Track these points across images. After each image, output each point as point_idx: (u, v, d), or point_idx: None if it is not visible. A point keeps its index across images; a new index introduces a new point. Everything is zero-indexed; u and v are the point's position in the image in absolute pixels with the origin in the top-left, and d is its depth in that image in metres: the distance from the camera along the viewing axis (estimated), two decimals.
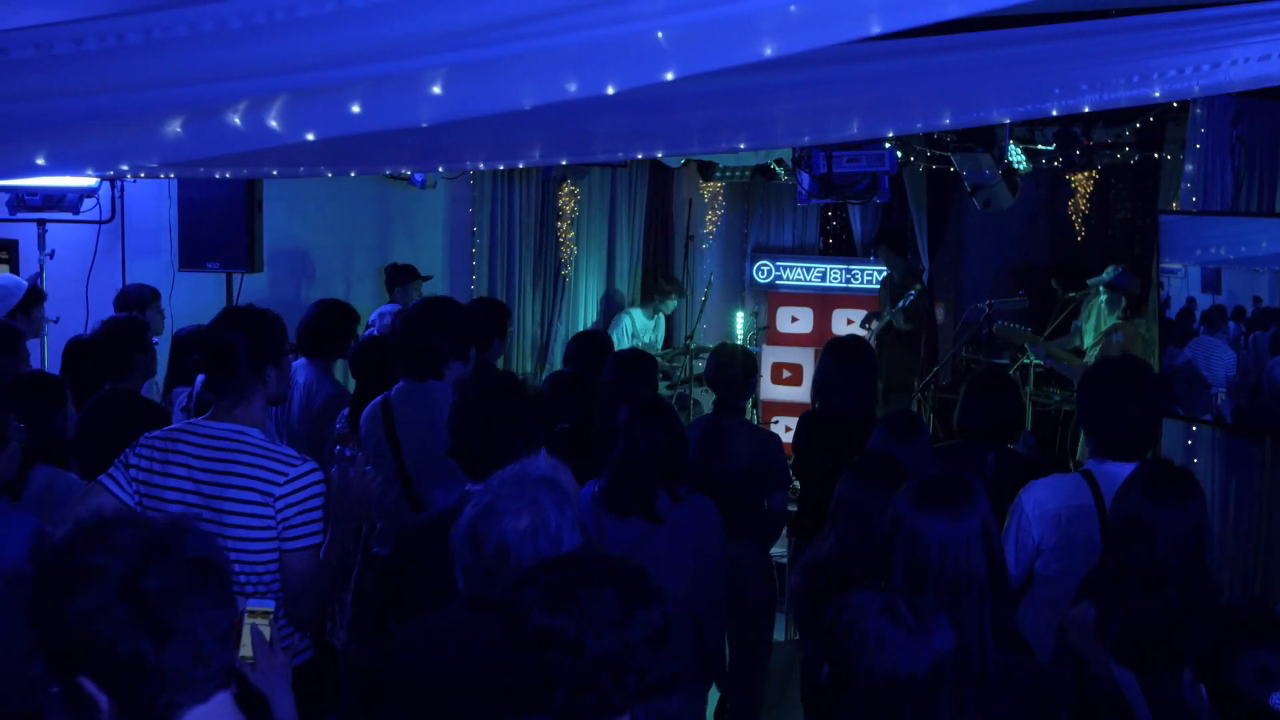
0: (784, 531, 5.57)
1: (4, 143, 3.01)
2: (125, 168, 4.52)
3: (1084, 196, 10.43)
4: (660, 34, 2.35)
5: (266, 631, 2.57)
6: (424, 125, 2.78)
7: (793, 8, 2.21)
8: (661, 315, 9.69)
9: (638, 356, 5.27)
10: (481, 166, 6.61)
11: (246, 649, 2.54)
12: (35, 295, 5.65)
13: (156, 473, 3.22)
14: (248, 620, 2.56)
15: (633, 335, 9.35)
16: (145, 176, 6.08)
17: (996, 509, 2.96)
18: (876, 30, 2.29)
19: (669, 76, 2.47)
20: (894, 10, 2.30)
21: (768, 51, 2.35)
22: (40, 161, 3.03)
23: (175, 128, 2.82)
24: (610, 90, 2.53)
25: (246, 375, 3.22)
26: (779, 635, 6.10)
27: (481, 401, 3.23)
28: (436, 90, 2.57)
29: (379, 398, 4.37)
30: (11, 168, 3.65)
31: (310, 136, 2.80)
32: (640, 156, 7.59)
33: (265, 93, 2.74)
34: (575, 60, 2.54)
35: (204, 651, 1.63)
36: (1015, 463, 4.47)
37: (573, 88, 2.53)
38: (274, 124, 2.75)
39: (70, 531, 1.64)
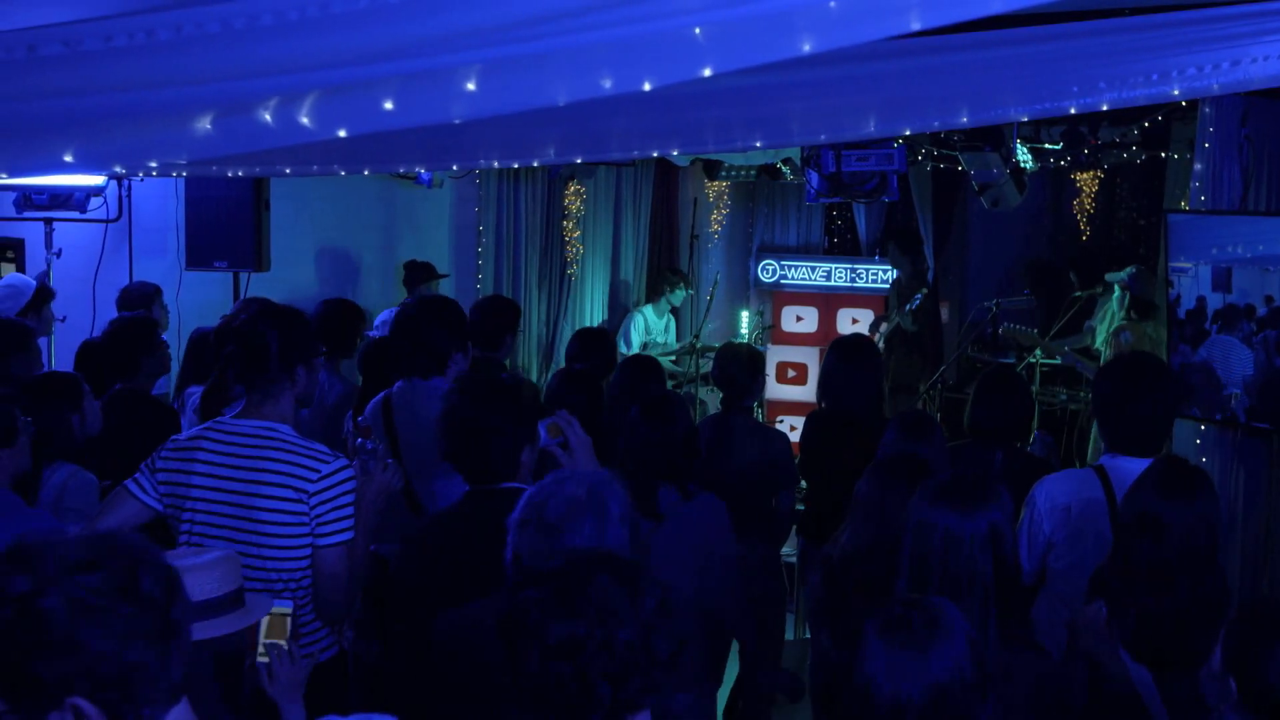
0: (793, 531, 5.57)
1: (32, 140, 2.99)
2: (153, 165, 4.49)
3: (1089, 195, 10.45)
4: (698, 30, 2.34)
5: (287, 638, 2.56)
6: (456, 121, 2.76)
7: (832, 4, 2.20)
8: (670, 316, 9.65)
9: (646, 363, 5.26)
10: (495, 165, 6.59)
11: (264, 650, 2.54)
12: (44, 294, 5.67)
13: (184, 472, 3.19)
14: (265, 628, 2.55)
15: (646, 333, 9.31)
16: (156, 175, 6.05)
17: None
18: (916, 26, 2.28)
19: (706, 73, 2.46)
20: (935, 6, 2.29)
21: (806, 48, 2.34)
22: (68, 159, 3.00)
23: (205, 124, 2.80)
24: (647, 86, 2.52)
25: (277, 372, 3.19)
26: (789, 634, 6.10)
27: (466, 406, 3.20)
28: (470, 87, 2.56)
29: (380, 395, 4.37)
30: (39, 165, 3.62)
31: (342, 133, 2.79)
32: (655, 154, 7.58)
33: (297, 89, 2.72)
34: (611, 56, 2.53)
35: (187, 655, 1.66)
36: (1023, 462, 4.47)
37: (608, 84, 2.52)
38: (305, 120, 2.73)
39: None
